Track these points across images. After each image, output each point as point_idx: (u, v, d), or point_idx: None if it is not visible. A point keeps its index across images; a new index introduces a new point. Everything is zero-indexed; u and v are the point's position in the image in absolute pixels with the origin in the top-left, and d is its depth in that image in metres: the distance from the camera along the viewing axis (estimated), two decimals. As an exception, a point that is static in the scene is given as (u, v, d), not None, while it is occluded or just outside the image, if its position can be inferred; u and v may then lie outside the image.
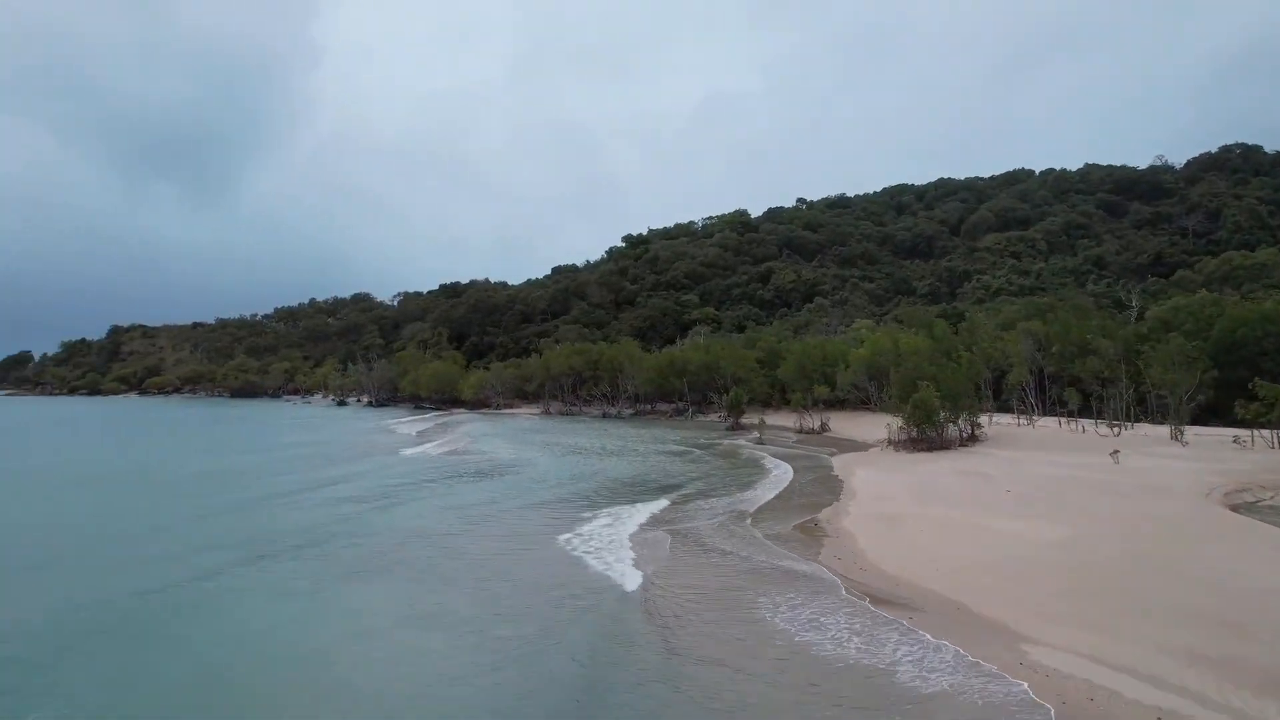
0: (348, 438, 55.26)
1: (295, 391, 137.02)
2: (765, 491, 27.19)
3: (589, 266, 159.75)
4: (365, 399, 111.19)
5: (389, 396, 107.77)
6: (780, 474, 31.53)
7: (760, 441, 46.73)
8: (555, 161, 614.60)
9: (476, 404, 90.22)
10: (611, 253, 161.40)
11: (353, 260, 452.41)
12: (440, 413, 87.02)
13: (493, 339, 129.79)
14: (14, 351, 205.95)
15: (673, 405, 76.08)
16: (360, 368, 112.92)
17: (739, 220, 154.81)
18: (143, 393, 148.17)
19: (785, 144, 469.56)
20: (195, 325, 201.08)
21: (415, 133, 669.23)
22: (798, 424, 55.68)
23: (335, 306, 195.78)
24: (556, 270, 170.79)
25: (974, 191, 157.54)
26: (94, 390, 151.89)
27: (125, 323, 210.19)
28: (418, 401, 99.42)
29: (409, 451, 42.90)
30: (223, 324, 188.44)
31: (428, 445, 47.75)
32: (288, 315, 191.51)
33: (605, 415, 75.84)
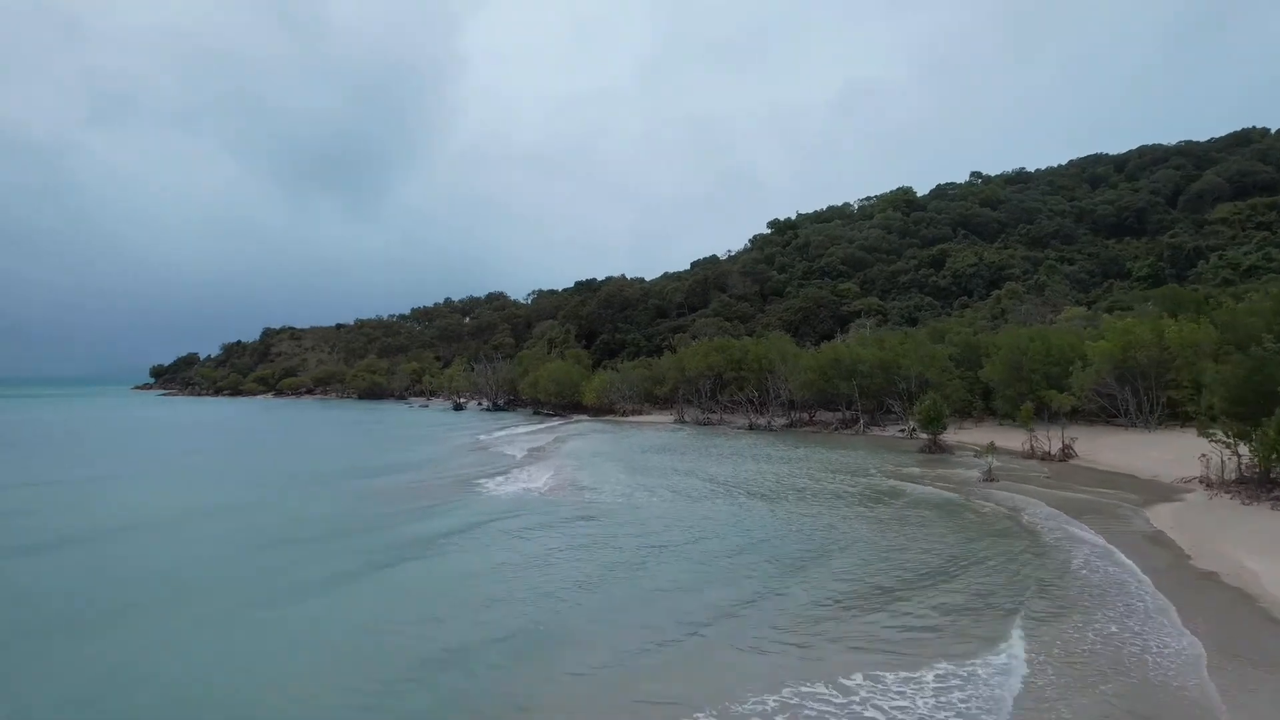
0: (440, 456, 43.77)
1: (421, 393, 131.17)
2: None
3: (730, 257, 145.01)
4: (484, 402, 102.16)
5: (508, 399, 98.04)
6: (1136, 586, 14.87)
7: (991, 477, 30.76)
8: (690, 159, 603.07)
9: (600, 409, 78.01)
10: (755, 240, 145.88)
11: (491, 265, 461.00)
12: (558, 420, 75.42)
13: (624, 336, 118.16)
14: (186, 353, 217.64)
15: (837, 415, 60.57)
16: (482, 368, 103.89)
17: (903, 199, 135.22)
18: (278, 393, 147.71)
19: (936, 128, 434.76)
20: (338, 326, 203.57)
21: (551, 136, 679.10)
22: (1025, 445, 38.94)
23: (470, 306, 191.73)
24: (695, 265, 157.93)
25: (1190, 157, 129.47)
26: (236, 391, 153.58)
27: (278, 325, 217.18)
28: (537, 405, 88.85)
29: (496, 489, 30.09)
30: (360, 324, 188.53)
31: (524, 474, 35.10)
32: (423, 315, 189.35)
33: (752, 426, 61.16)
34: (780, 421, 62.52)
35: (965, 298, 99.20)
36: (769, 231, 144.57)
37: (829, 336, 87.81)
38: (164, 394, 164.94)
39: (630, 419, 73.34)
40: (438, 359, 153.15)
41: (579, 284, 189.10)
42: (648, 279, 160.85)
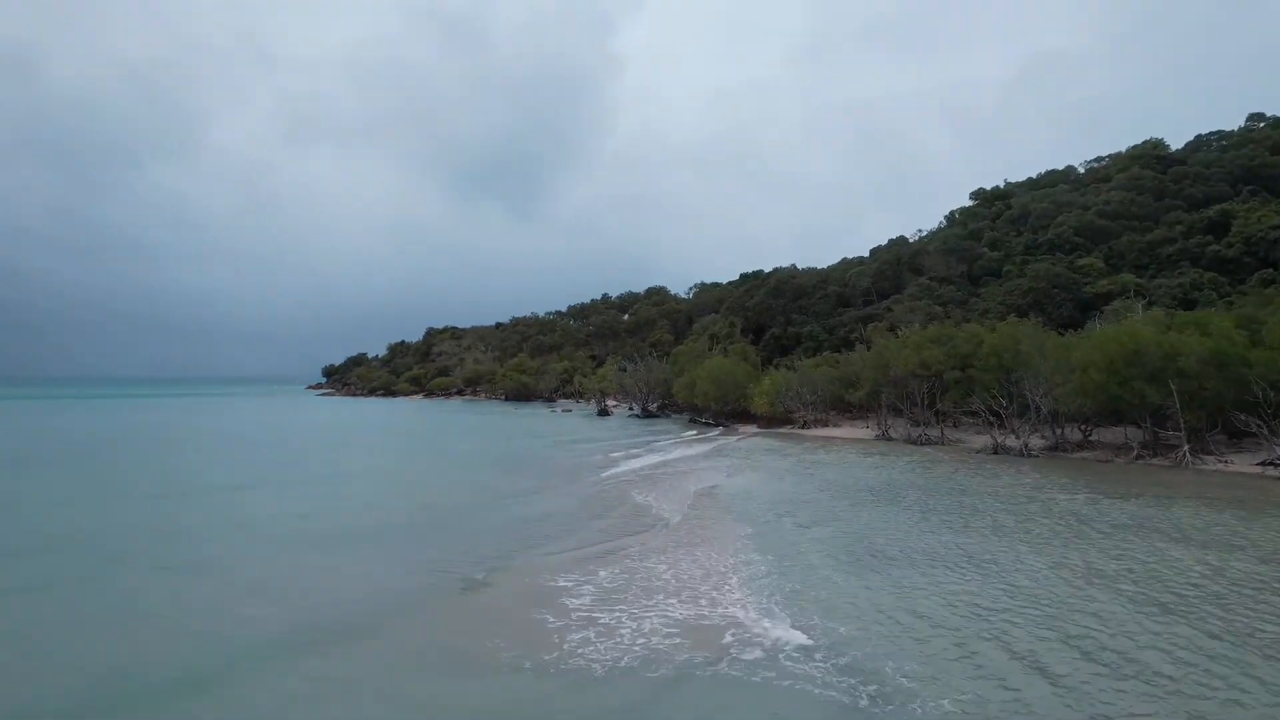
0: (532, 502, 29.46)
1: (570, 395, 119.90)
2: None
3: (923, 236, 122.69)
4: (633, 406, 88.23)
5: (660, 403, 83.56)
6: None
7: None
8: (852, 147, 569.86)
9: (773, 419, 61.49)
10: (954, 216, 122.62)
11: (651, 264, 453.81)
12: (718, 431, 59.78)
13: (799, 329, 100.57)
14: (356, 353, 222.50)
15: (1129, 433, 40.67)
16: (632, 367, 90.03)
17: (1151, 153, 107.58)
18: (428, 394, 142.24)
19: (1135, 98, 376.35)
20: (497, 325, 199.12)
21: (707, 132, 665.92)
22: None
23: (628, 302, 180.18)
24: (874, 252, 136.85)
25: None
26: (389, 391, 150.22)
27: (442, 325, 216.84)
28: (695, 411, 73.72)
29: (600, 646, 14.97)
30: (515, 322, 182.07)
31: (667, 575, 19.74)
32: (579, 312, 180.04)
33: (997, 449, 42.39)
34: (1039, 443, 43.21)
35: (1270, 269, 73.15)
36: (972, 203, 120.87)
37: (1072, 325, 66.40)
38: (322, 394, 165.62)
39: (813, 432, 56.23)
40: (592, 358, 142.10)
41: (744, 276, 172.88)
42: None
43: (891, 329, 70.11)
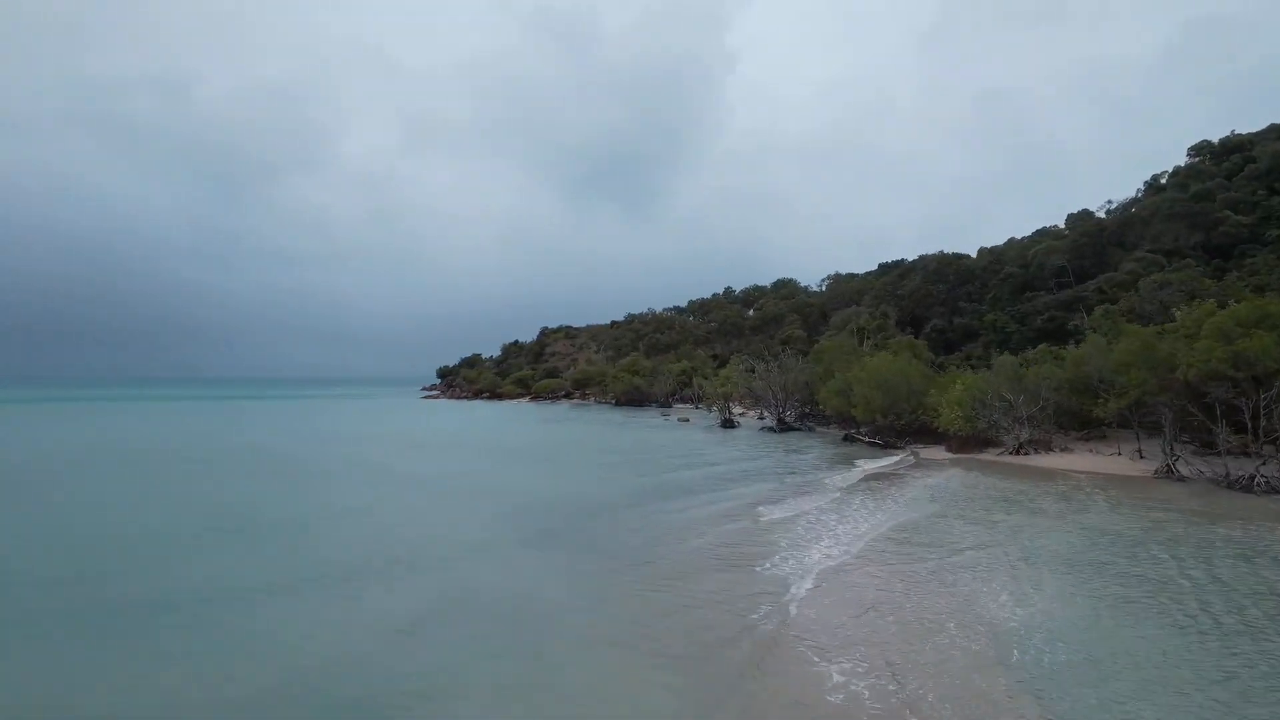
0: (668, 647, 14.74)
1: (688, 399, 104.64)
2: None
3: (1126, 202, 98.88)
4: (765, 416, 71.82)
5: (801, 412, 66.75)
6: None
7: None
8: (979, 136, 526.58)
9: (968, 440, 43.74)
10: (1173, 175, 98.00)
11: (767, 261, 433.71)
12: (894, 458, 42.61)
13: (968, 321, 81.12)
14: (470, 354, 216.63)
15: None
16: (762, 367, 73.66)
17: None
18: (534, 397, 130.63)
19: None
20: (612, 324, 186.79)
21: (823, 125, 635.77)
22: None
23: (752, 296, 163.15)
24: (1037, 234, 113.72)
25: None
26: (494, 393, 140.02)
27: (555, 325, 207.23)
28: (848, 425, 56.80)
29: None
30: (630, 319, 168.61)
31: None
32: (699, 308, 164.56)
33: None
34: None
35: None
36: (1194, 159, 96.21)
37: None
38: (427, 395, 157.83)
39: (1035, 461, 38.28)
40: (713, 357, 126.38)
41: (884, 266, 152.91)
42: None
43: (1131, 314, 50.60)
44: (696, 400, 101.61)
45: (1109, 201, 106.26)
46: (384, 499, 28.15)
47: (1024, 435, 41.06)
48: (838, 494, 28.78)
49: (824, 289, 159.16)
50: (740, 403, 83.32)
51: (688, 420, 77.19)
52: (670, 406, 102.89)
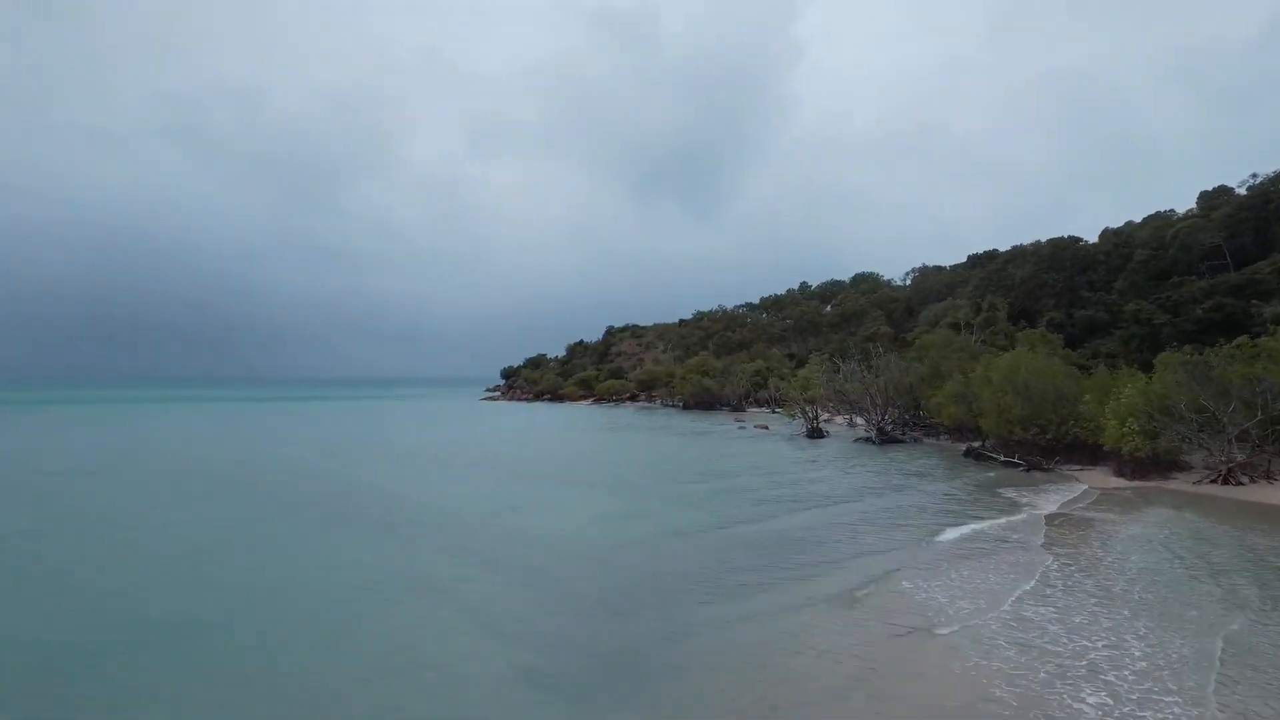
0: None
1: (764, 402, 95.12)
2: None
3: (1257, 181, 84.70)
4: (858, 423, 61.69)
5: (903, 420, 56.55)
6: None
7: None
8: (1059, 126, 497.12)
9: (1146, 464, 33.23)
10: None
11: (840, 257, 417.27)
12: (1057, 487, 32.54)
13: (1095, 315, 69.28)
14: (535, 354, 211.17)
15: None
16: (851, 368, 63.71)
17: None
18: (597, 399, 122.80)
19: None
20: (680, 322, 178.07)
21: (893, 115, 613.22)
22: None
23: (830, 291, 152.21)
24: (1154, 216, 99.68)
25: None
26: (555, 395, 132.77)
27: (621, 325, 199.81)
28: (963, 435, 46.73)
29: None
30: (698, 317, 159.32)
31: None
32: (772, 305, 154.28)
33: None
34: None
35: None
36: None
37: None
38: (486, 397, 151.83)
39: (1262, 495, 27.84)
40: (789, 357, 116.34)
41: (974, 258, 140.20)
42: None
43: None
44: (773, 403, 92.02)
45: (1253, 175, 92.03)
46: (341, 570, 19.98)
47: (1237, 457, 30.54)
48: (1037, 565, 18.99)
49: (908, 283, 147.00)
50: (824, 407, 73.36)
51: (766, 428, 67.75)
52: (743, 410, 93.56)
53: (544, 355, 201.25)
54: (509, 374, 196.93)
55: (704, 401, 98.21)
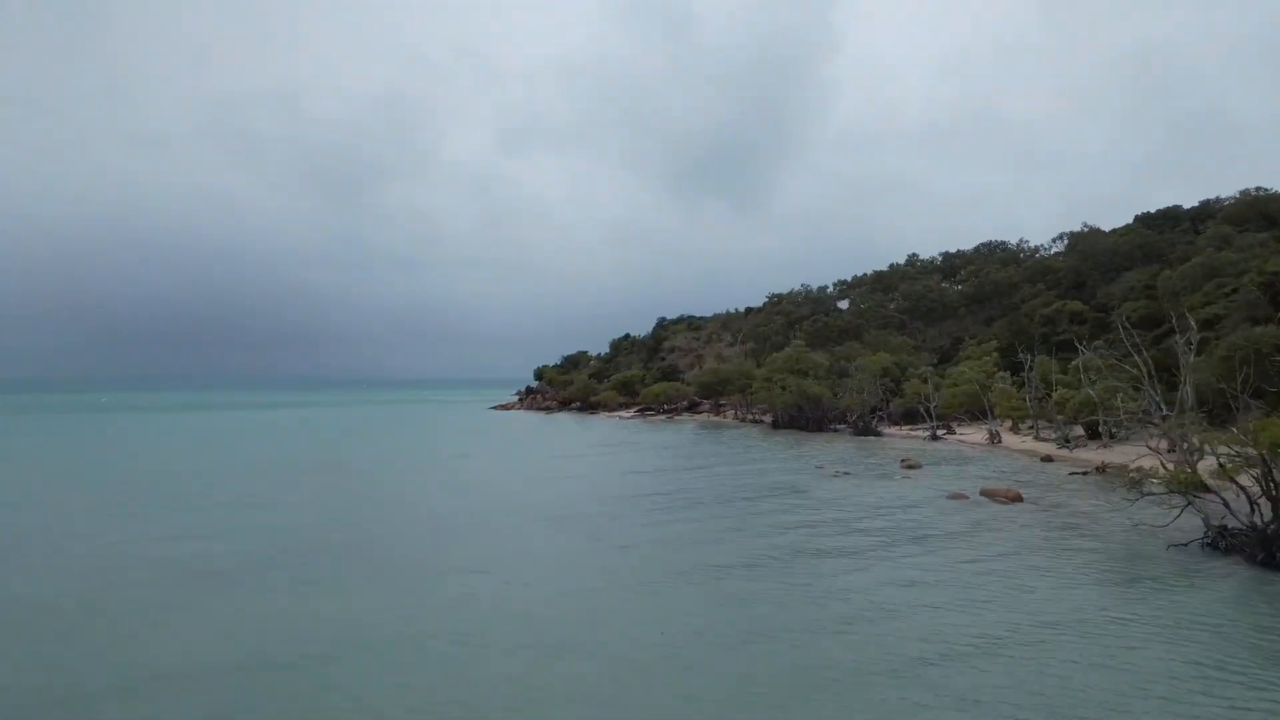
0: None
1: (907, 418, 60.68)
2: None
3: None
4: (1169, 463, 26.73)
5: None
6: None
7: None
8: (1124, 107, 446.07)
9: None
10: None
11: (889, 255, 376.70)
12: None
13: None
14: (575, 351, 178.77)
15: None
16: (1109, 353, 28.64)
17: None
18: (642, 410, 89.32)
19: None
20: (748, 311, 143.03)
21: (942, 102, 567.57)
22: None
23: (954, 264, 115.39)
24: None
25: None
26: (586, 403, 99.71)
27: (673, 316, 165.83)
28: None
29: None
30: (776, 301, 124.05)
31: None
32: (871, 282, 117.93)
33: None
34: None
35: None
36: None
37: None
38: (498, 405, 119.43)
39: None
40: (917, 349, 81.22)
41: (1143, 217, 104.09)
42: None
43: None
44: (916, 419, 57.49)
45: None
46: None
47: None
48: None
49: (1060, 250, 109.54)
50: (1039, 427, 38.65)
51: (1017, 499, 32.94)
52: (875, 432, 58.70)
53: (584, 353, 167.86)
54: (543, 374, 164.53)
55: (803, 417, 63.67)
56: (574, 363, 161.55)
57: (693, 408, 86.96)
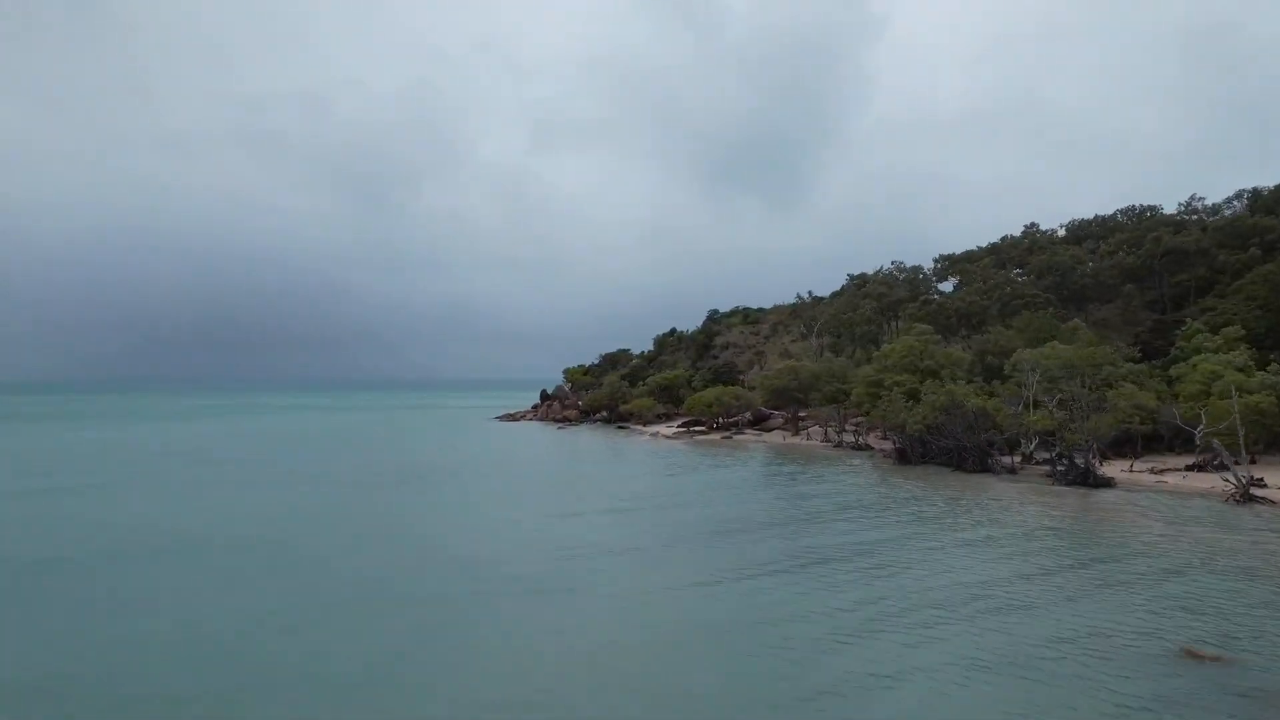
0: None
1: (1105, 449, 36.24)
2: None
3: None
4: None
5: None
6: None
7: None
8: (1178, 90, 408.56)
9: None
10: None
11: (933, 248, 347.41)
12: None
13: None
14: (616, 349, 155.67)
15: None
16: None
17: None
18: (689, 426, 65.52)
19: None
20: (815, 301, 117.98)
21: (983, 88, 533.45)
22: None
23: (1088, 229, 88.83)
24: None
25: None
26: (614, 412, 76.21)
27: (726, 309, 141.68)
28: None
29: None
30: (857, 282, 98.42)
31: None
32: (990, 255, 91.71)
33: None
34: None
35: None
36: None
37: None
38: (505, 415, 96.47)
39: None
40: (1098, 340, 56.39)
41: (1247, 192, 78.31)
42: None
43: None
44: (1222, 459, 33.05)
45: None
46: None
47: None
48: None
49: (1202, 222, 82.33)
50: None
51: None
52: (1094, 476, 34.03)
53: (625, 351, 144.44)
54: (575, 375, 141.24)
55: (951, 445, 39.14)
56: (613, 362, 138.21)
57: (758, 421, 62.97)
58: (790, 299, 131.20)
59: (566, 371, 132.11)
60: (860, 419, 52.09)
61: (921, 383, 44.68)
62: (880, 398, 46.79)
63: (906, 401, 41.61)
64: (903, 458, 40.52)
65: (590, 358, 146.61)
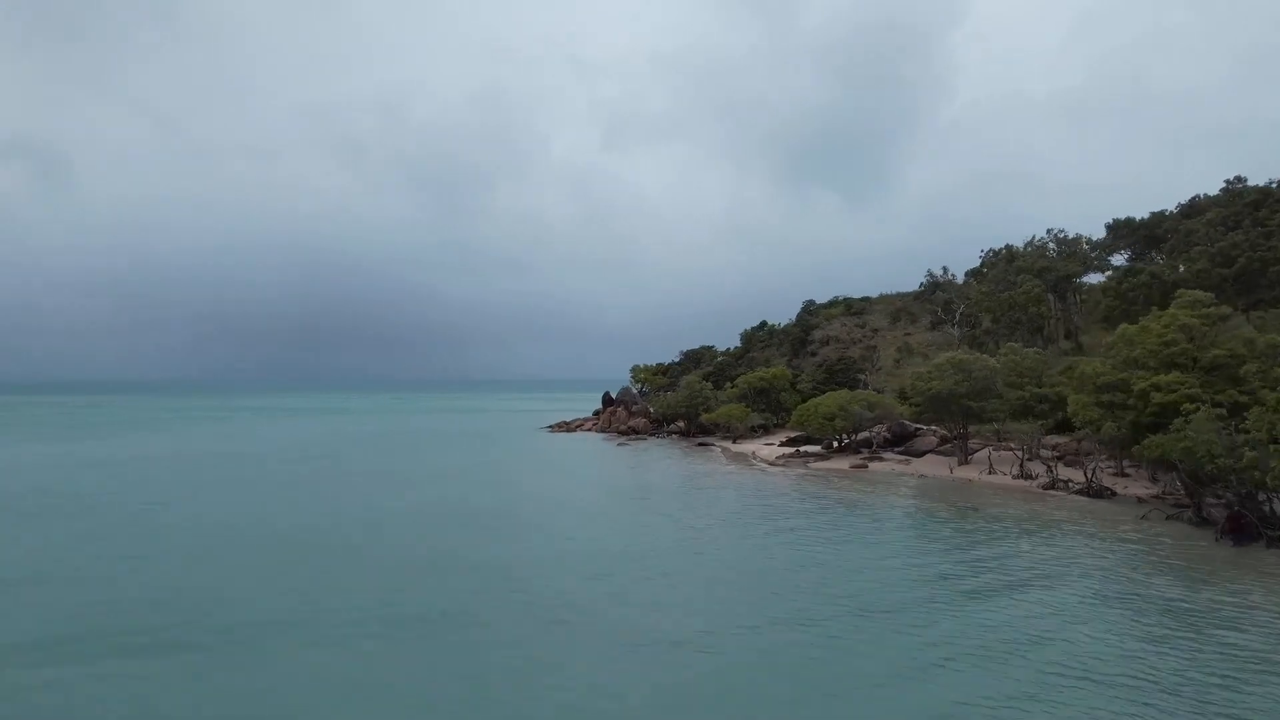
0: None
1: None
2: None
3: None
4: None
5: None
6: None
7: None
8: None
9: None
10: None
11: (1020, 238, 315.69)
12: None
13: None
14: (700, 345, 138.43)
15: None
16: None
17: None
18: (793, 442, 47.57)
19: None
20: (932, 288, 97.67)
21: (1078, 72, 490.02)
22: None
23: (1260, 197, 66.76)
24: None
25: None
26: (694, 424, 58.66)
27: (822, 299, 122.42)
28: None
29: None
30: (1004, 255, 77.67)
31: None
32: (1145, 230, 69.50)
33: None
34: None
35: None
36: None
37: None
38: (558, 425, 79.80)
39: None
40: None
41: None
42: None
43: None
44: None
45: None
46: None
47: None
48: None
49: None
50: None
51: None
52: None
53: (709, 348, 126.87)
54: (644, 375, 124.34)
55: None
56: (695, 360, 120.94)
57: (899, 440, 44.78)
58: (867, 294, 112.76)
59: (634, 370, 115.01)
60: (1078, 445, 33.57)
61: (1212, 390, 26.36)
62: (1115, 408, 28.69)
63: (1225, 426, 23.20)
64: (1238, 529, 22.10)
65: (669, 355, 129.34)
